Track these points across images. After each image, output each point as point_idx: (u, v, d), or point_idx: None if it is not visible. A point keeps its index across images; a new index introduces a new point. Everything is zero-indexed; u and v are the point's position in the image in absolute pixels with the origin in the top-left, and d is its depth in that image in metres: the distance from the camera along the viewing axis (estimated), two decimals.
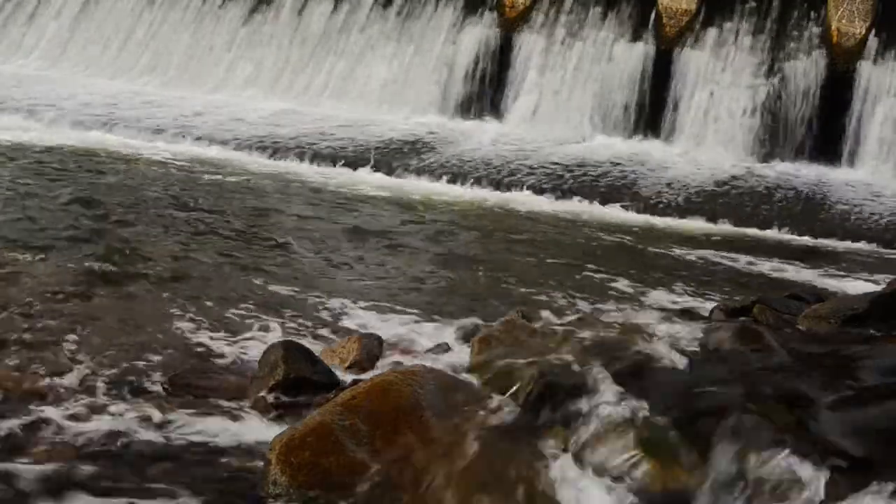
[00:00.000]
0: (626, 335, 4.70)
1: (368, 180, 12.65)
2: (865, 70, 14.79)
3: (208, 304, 6.72)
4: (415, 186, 12.59)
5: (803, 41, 15.27)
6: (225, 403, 4.95)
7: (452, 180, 12.99)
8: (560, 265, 9.09)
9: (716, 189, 13.37)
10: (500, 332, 4.90)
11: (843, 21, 15.16)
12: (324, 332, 6.44)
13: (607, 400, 4.07)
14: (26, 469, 4.12)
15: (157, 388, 5.15)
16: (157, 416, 4.76)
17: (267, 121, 14.98)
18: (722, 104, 15.05)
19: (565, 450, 3.92)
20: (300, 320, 6.63)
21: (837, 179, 14.01)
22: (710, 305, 6.73)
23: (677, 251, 10.38)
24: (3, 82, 16.10)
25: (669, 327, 4.94)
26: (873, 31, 15.01)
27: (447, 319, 6.67)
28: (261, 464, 4.15)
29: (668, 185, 13.33)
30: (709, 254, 10.37)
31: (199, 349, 5.89)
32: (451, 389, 4.33)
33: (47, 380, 5.11)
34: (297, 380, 4.99)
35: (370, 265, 8.48)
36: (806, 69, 15.03)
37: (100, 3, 18.23)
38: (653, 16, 15.83)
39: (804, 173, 14.22)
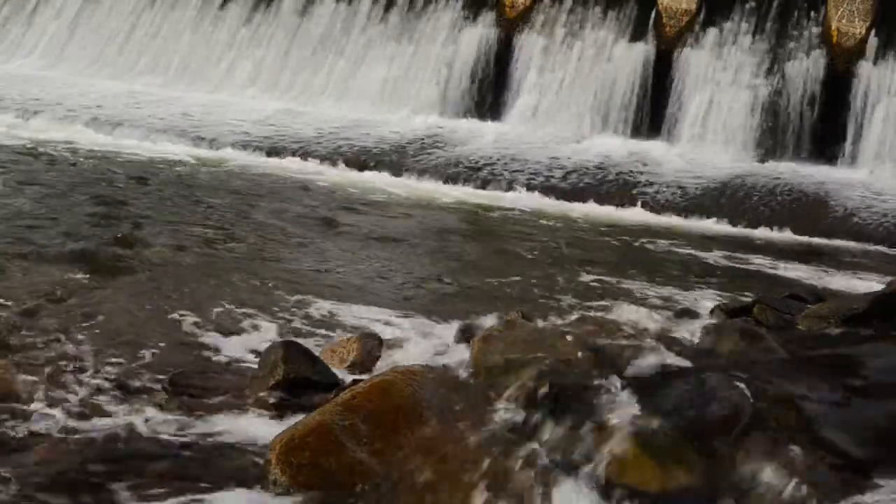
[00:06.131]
0: (625, 335, 4.70)
1: (368, 180, 12.65)
2: (865, 70, 14.78)
3: (208, 304, 6.72)
4: (415, 186, 12.59)
5: (803, 41, 15.26)
6: (225, 403, 4.95)
7: (452, 180, 12.99)
8: (560, 265, 9.09)
9: (716, 189, 13.37)
10: (500, 332, 4.90)
11: (843, 21, 15.16)
12: (324, 332, 6.44)
13: (607, 400, 4.07)
14: (26, 469, 4.12)
15: (158, 387, 5.15)
16: (156, 415, 4.76)
17: (267, 120, 14.97)
18: (722, 104, 15.05)
19: (565, 450, 3.92)
20: (300, 320, 6.63)
21: (837, 179, 13.99)
22: (710, 305, 6.72)
23: (677, 251, 10.38)
24: (3, 82, 16.09)
25: (669, 327, 4.94)
26: (873, 31, 15.00)
27: (447, 319, 6.67)
28: (261, 464, 4.15)
29: (668, 184, 13.33)
30: (709, 254, 10.38)
31: (200, 349, 5.90)
32: (451, 389, 4.33)
33: (47, 379, 5.11)
34: (297, 380, 4.99)
35: (370, 265, 8.48)
36: (806, 69, 15.02)
37: (100, 3, 18.22)
38: (653, 16, 15.83)
39: (804, 173, 14.20)
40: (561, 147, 14.61)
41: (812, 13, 15.45)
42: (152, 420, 4.70)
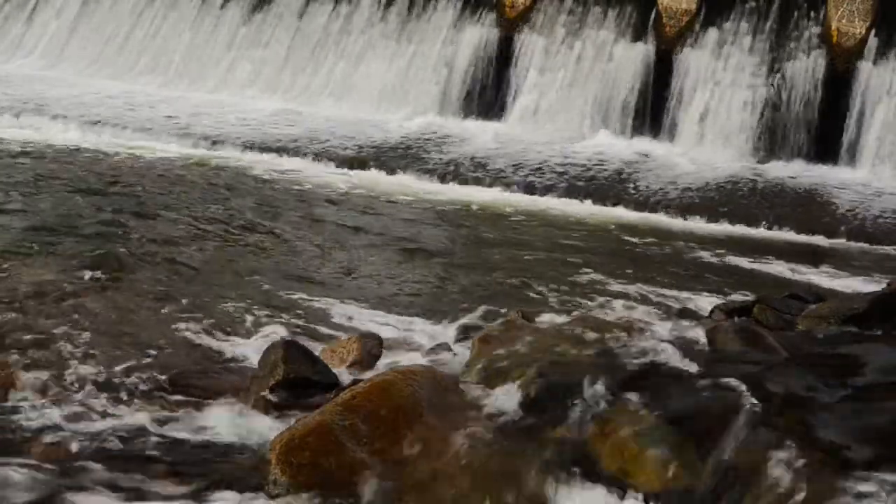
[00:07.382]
0: (625, 335, 4.71)
1: (368, 180, 12.65)
2: (865, 70, 14.78)
3: (208, 304, 6.73)
4: (415, 186, 12.59)
5: (803, 41, 15.26)
6: (225, 403, 4.95)
7: (452, 180, 12.99)
8: (560, 265, 9.09)
9: (716, 189, 13.37)
10: (500, 332, 4.91)
11: (843, 21, 15.16)
12: (324, 332, 6.44)
13: (607, 399, 4.07)
14: (26, 469, 4.12)
15: (158, 387, 5.15)
16: (157, 415, 4.77)
17: (267, 121, 14.98)
18: (722, 104, 15.05)
19: (565, 449, 3.92)
20: (300, 320, 6.64)
21: (837, 179, 13.99)
22: (710, 305, 6.72)
23: (677, 251, 10.38)
24: (3, 82, 16.09)
25: (669, 327, 4.95)
26: (873, 31, 15.00)
27: (447, 319, 6.67)
28: (261, 464, 4.15)
29: (668, 184, 13.33)
30: (709, 254, 10.37)
31: (200, 349, 5.90)
32: (452, 389, 4.34)
33: (47, 379, 5.11)
34: (297, 379, 5.00)
35: (370, 265, 8.49)
36: (806, 69, 15.02)
37: (100, 3, 18.23)
38: (653, 16, 15.83)
39: (804, 173, 14.20)
40: (561, 147, 14.61)
41: (812, 13, 15.44)
42: (152, 420, 4.71)
